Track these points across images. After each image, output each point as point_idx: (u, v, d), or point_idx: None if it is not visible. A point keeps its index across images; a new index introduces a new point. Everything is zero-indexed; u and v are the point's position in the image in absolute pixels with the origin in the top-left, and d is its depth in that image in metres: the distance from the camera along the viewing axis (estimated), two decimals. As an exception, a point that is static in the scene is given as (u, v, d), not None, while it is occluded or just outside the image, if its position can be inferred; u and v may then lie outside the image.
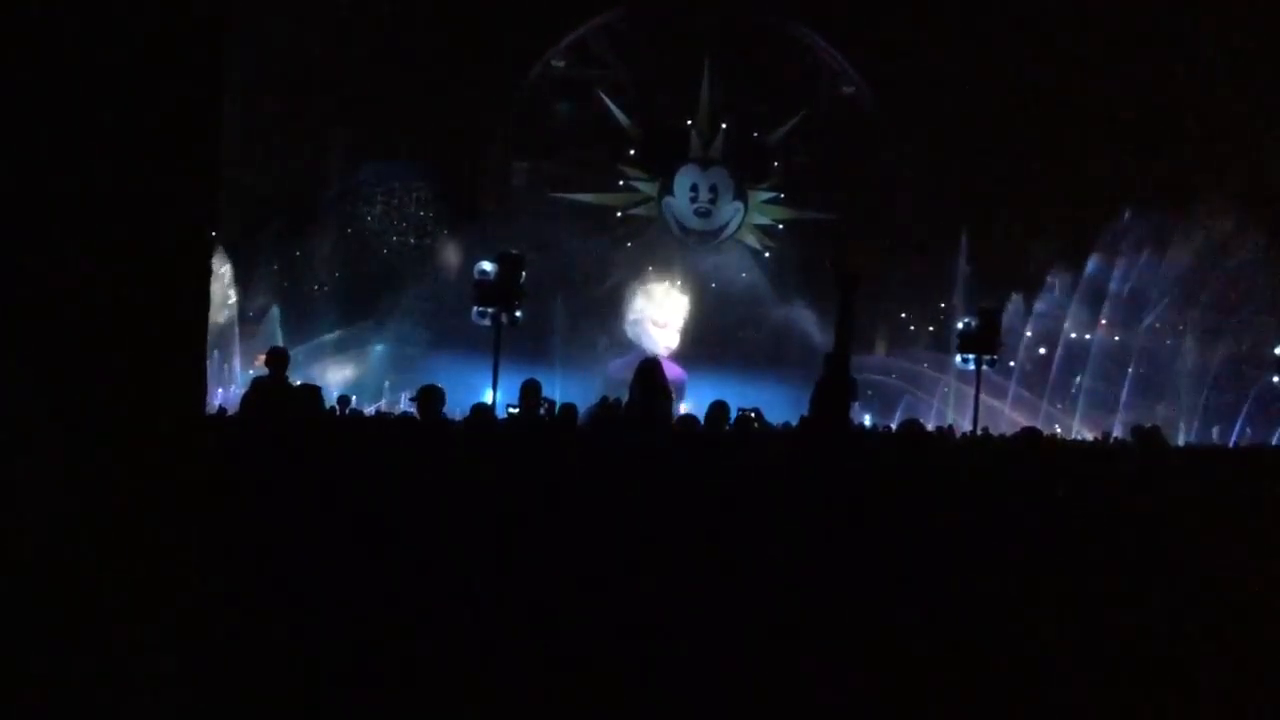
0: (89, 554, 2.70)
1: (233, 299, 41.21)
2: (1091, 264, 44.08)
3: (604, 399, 6.44)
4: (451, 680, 4.58)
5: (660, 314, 48.15)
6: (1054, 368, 45.02)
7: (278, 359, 8.66)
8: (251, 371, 41.99)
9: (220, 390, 36.79)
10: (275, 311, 41.90)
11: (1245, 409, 42.11)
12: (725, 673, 4.88)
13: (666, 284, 48.12)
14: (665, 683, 4.69)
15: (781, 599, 5.51)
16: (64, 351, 2.69)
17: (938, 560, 6.31)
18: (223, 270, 39.48)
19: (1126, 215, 43.17)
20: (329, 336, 43.08)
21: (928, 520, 6.55)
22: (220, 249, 38.70)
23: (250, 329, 41.98)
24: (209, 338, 3.37)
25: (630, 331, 47.60)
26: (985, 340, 28.95)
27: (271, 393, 8.01)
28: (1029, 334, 44.29)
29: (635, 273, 48.70)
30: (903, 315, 48.87)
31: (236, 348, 41.55)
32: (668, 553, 5.32)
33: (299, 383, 9.35)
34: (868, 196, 49.29)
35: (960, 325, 30.63)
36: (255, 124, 38.25)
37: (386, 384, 39.86)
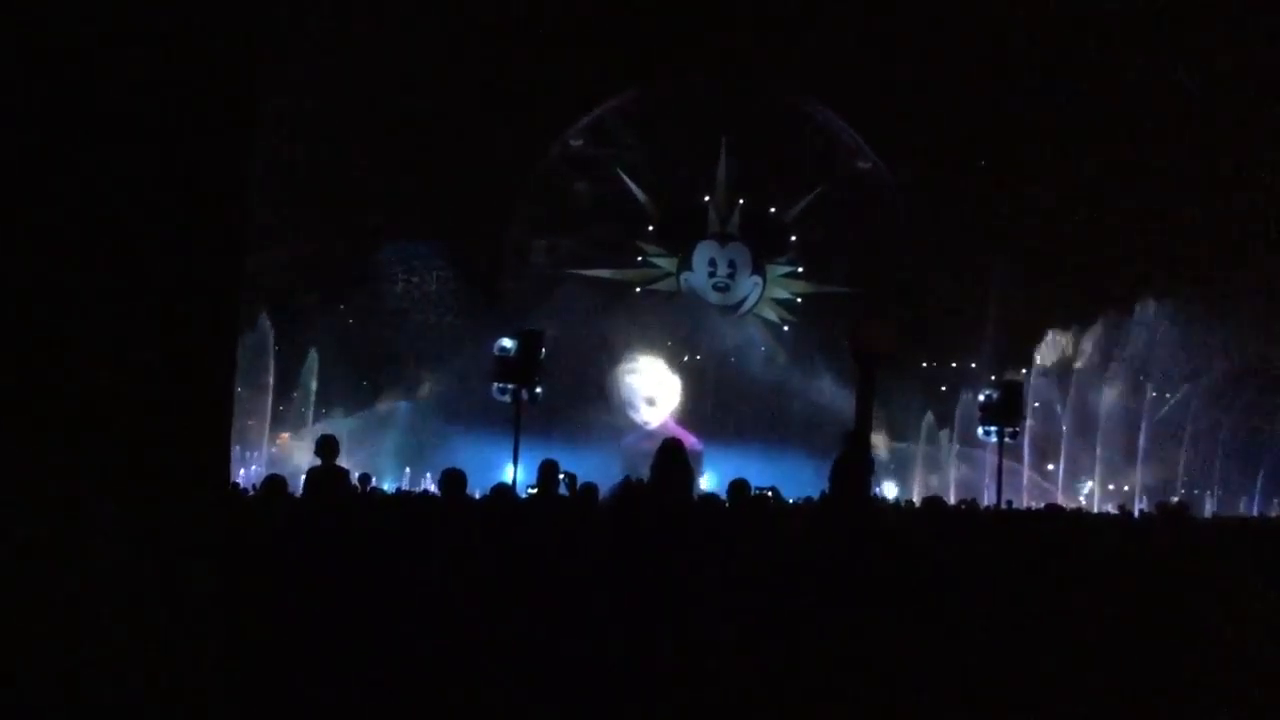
0: (107, 634, 2.70)
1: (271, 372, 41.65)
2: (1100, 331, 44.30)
3: (626, 478, 6.45)
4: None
5: (650, 390, 48.21)
6: (1064, 439, 44.93)
7: (330, 448, 8.62)
8: (273, 449, 42.17)
9: (243, 470, 36.91)
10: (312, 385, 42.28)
11: (1260, 480, 41.94)
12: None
13: (655, 360, 48.14)
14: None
15: (807, 676, 5.45)
16: (85, 433, 2.72)
17: (965, 637, 6.24)
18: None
19: (1148, 307, 43.45)
20: (347, 420, 43.24)
21: (956, 596, 6.49)
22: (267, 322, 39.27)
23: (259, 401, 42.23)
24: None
25: (622, 412, 47.48)
26: (1007, 412, 28.82)
27: (325, 482, 8.06)
28: (1036, 404, 44.23)
29: (655, 348, 48.89)
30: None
31: (266, 426, 41.83)
32: (693, 628, 5.28)
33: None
34: (886, 271, 49.56)
35: (982, 398, 30.53)
36: (277, 204, 38.81)
37: (407, 470, 39.89)
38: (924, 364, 49.15)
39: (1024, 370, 44.34)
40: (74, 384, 2.70)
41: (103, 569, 2.63)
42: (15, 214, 2.68)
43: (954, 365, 48.51)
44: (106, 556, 2.64)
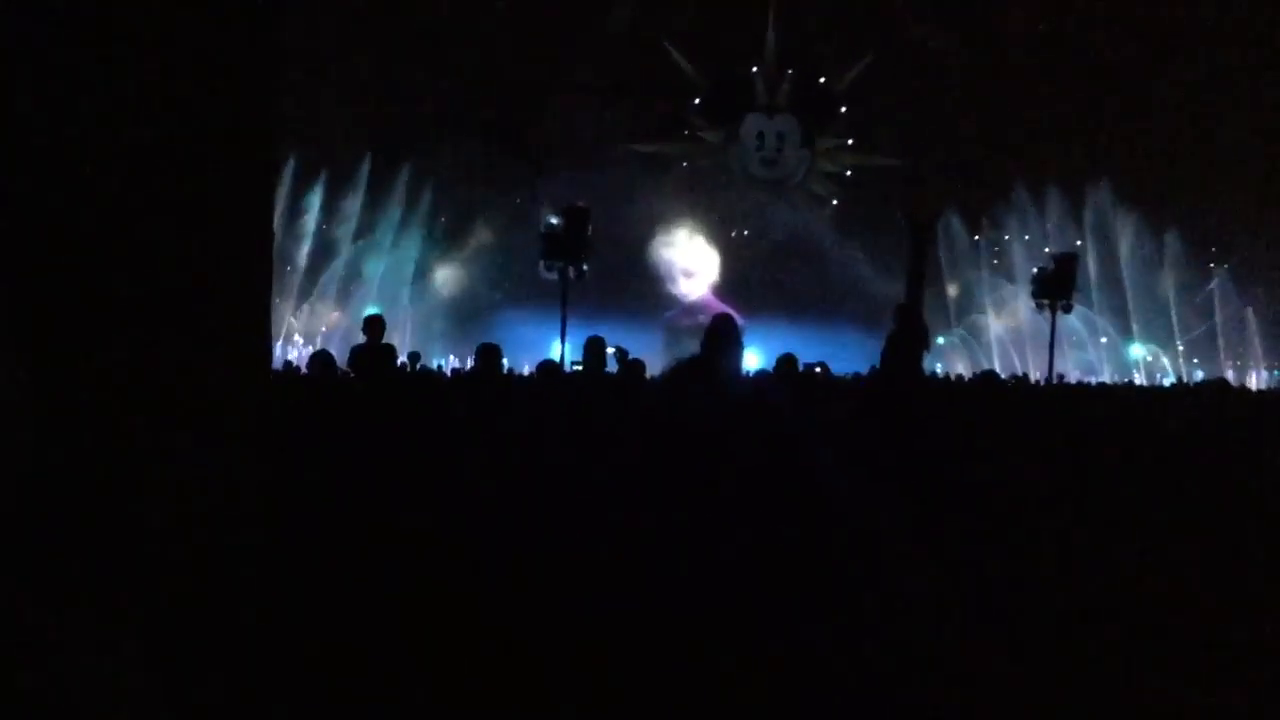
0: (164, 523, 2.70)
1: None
2: None
3: (694, 357, 6.39)
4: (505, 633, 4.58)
5: (686, 262, 48.04)
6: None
7: (376, 326, 8.57)
8: (324, 328, 42.63)
9: (295, 352, 37.40)
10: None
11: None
12: (796, 617, 4.82)
13: (688, 232, 47.77)
14: (732, 631, 4.65)
15: (857, 550, 5.44)
16: (128, 318, 2.67)
17: (1013, 513, 6.18)
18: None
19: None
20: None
21: (1008, 468, 6.42)
22: None
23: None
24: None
25: (661, 286, 47.52)
26: (1061, 285, 28.48)
27: (367, 360, 8.06)
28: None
29: (701, 222, 48.41)
30: None
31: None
32: (743, 500, 5.26)
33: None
34: (940, 142, 48.27)
35: (1035, 270, 30.19)
36: (320, 71, 38.51)
37: (451, 357, 40.20)
38: (975, 236, 48.50)
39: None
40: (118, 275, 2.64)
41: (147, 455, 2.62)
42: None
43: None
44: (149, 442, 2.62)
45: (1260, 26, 43.39)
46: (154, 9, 2.70)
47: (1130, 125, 45.79)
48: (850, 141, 50.99)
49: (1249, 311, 45.58)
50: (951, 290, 47.43)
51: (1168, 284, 45.04)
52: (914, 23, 49.91)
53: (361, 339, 8.56)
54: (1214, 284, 45.85)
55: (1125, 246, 44.97)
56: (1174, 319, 44.92)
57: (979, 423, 7.24)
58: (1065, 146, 45.94)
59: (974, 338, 46.06)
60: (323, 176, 42.89)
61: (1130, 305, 44.92)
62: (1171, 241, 44.93)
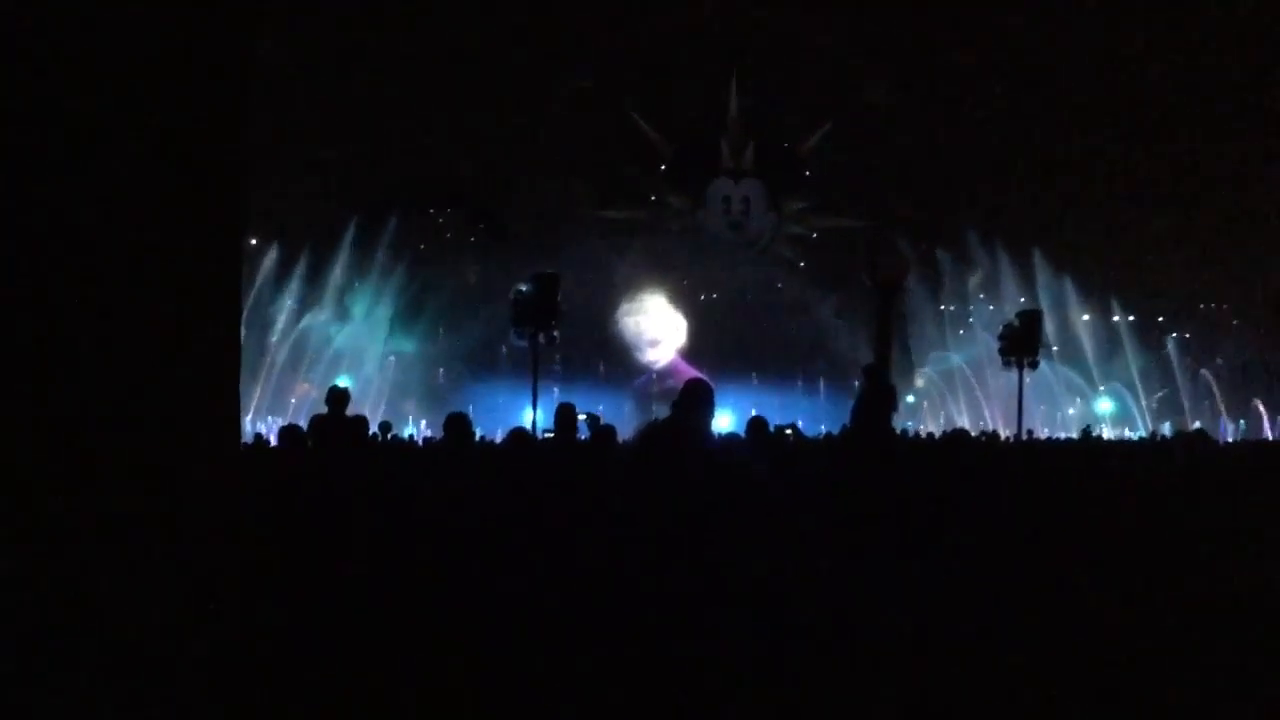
0: (124, 576, 2.65)
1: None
2: None
3: (656, 419, 6.35)
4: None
5: (654, 332, 48.23)
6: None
7: (339, 399, 8.54)
8: (293, 400, 42.30)
9: (263, 425, 37.05)
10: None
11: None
12: (768, 686, 4.79)
13: (659, 299, 48.00)
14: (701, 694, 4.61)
15: (828, 611, 5.42)
16: (91, 381, 2.65)
17: (989, 571, 6.19)
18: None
19: None
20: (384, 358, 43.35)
21: (982, 526, 6.43)
22: None
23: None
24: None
25: (628, 355, 47.68)
26: (1027, 342, 28.71)
27: (329, 430, 7.99)
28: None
29: (669, 288, 48.66)
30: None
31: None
32: (715, 563, 5.24)
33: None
34: (902, 201, 48.96)
35: (1002, 327, 30.41)
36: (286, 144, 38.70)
37: (423, 421, 39.99)
38: (941, 306, 48.98)
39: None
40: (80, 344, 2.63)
41: (113, 529, 2.58)
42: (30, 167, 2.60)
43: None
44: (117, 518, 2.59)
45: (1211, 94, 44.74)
46: (100, 75, 2.69)
47: (1086, 190, 46.88)
48: (815, 204, 51.56)
49: (1203, 373, 46.58)
50: (916, 348, 47.79)
51: (1126, 347, 45.84)
52: (868, 84, 50.85)
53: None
54: (1169, 348, 46.88)
55: (1081, 307, 45.77)
56: (1134, 374, 45.46)
57: (952, 483, 7.25)
58: (1021, 209, 46.81)
59: (944, 384, 46.38)
60: (304, 247, 42.85)
61: (1091, 361, 45.51)
62: (1119, 309, 45.90)
